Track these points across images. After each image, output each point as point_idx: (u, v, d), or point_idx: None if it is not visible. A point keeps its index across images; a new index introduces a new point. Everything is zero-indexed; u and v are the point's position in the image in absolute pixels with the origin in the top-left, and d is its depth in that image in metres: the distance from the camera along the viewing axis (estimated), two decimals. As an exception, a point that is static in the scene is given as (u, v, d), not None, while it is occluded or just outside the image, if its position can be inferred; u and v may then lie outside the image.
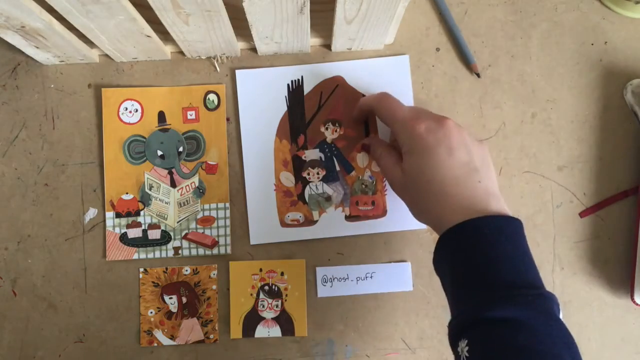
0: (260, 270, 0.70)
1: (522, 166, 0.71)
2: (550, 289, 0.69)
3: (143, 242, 0.69)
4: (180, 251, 0.70)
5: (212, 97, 0.70)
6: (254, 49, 0.71)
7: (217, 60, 0.71)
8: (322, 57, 0.71)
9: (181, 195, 0.70)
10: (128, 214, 0.69)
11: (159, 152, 0.69)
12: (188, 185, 0.70)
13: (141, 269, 0.69)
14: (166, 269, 0.70)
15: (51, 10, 0.56)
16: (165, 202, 0.69)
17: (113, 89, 0.70)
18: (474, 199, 0.55)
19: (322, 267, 0.70)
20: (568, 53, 0.72)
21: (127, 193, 0.69)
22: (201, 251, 0.70)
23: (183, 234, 0.70)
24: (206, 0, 0.55)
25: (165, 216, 0.70)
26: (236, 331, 0.69)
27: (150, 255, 0.69)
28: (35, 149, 0.70)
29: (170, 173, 0.70)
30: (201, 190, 0.70)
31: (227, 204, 0.70)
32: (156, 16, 0.58)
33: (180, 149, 0.70)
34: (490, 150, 0.70)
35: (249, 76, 0.71)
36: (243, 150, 0.70)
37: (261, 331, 0.69)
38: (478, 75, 0.71)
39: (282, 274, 0.70)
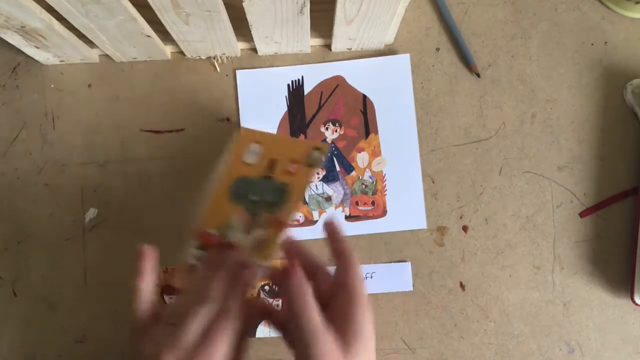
0: (261, 270, 0.69)
1: (522, 166, 0.71)
2: (550, 289, 0.69)
3: None
4: (180, 251, 0.69)
5: (315, 154, 0.63)
6: (254, 49, 0.71)
7: (217, 60, 0.71)
8: (322, 57, 0.71)
9: None
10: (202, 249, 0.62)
11: (254, 197, 0.63)
12: None
13: (141, 269, 0.69)
14: (166, 269, 0.70)
15: (51, 10, 0.56)
16: None
17: (248, 129, 0.66)
18: None
19: (322, 267, 0.70)
20: (568, 53, 0.72)
21: (213, 229, 0.62)
22: (201, 251, 0.69)
23: (183, 234, 0.69)
24: (206, 0, 0.55)
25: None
26: (236, 331, 0.69)
27: (151, 256, 0.69)
28: (35, 149, 0.70)
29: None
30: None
31: (228, 204, 0.69)
32: (156, 16, 0.58)
33: (271, 199, 0.62)
34: (490, 149, 0.71)
35: (249, 76, 0.71)
36: (243, 150, 0.70)
37: (261, 331, 0.69)
38: (478, 75, 0.71)
39: (282, 274, 0.69)
